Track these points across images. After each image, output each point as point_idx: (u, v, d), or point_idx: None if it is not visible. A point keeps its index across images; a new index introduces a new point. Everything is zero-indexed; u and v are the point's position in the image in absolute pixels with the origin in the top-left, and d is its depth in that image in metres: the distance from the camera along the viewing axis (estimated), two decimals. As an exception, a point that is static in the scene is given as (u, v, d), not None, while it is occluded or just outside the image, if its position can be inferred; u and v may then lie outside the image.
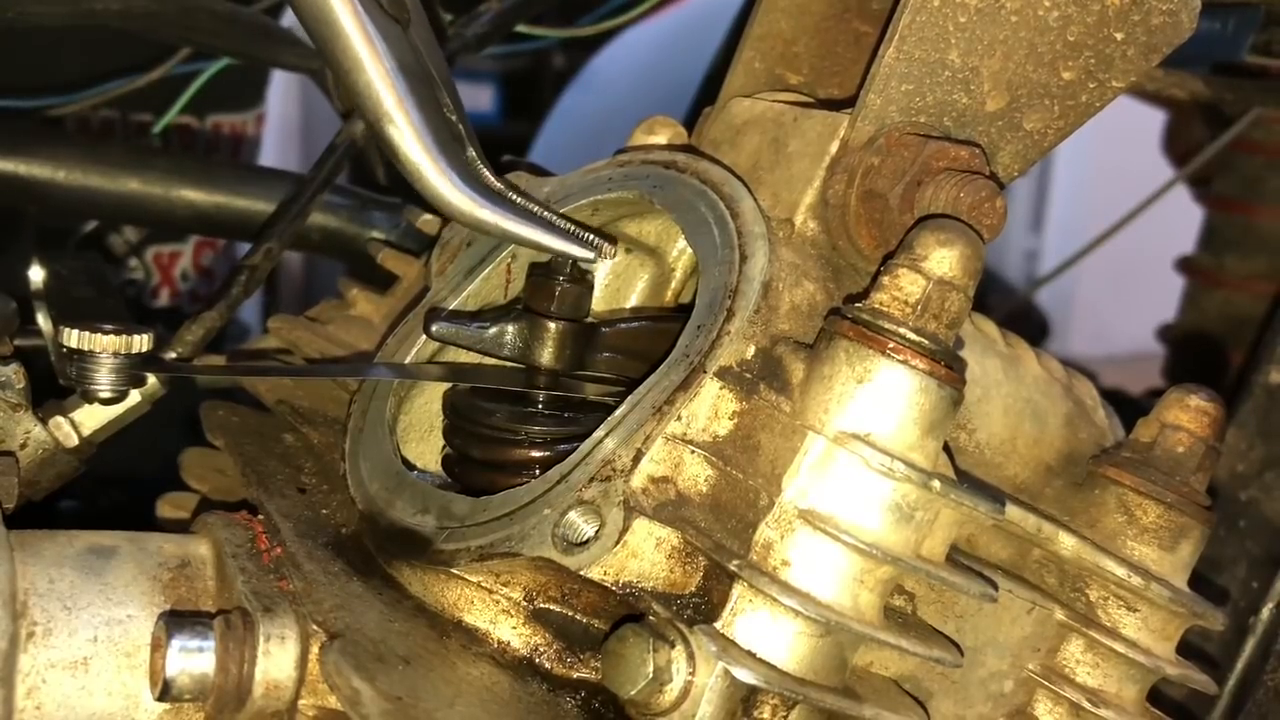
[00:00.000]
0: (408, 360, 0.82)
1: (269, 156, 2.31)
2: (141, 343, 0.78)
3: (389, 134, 0.70)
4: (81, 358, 0.77)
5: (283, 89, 2.19)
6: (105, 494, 1.20)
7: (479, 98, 3.78)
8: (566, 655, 0.69)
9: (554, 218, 0.76)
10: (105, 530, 0.74)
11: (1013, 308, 2.46)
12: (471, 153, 0.74)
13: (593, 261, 0.77)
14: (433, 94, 0.72)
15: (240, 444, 0.86)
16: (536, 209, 0.76)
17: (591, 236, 0.76)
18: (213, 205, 1.34)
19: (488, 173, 0.75)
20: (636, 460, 0.67)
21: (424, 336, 0.80)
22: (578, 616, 0.69)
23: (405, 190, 1.17)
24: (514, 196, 0.75)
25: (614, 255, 0.78)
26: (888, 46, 0.72)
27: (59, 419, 0.86)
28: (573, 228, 0.77)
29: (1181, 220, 1.90)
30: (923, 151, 0.72)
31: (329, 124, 0.76)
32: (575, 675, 0.69)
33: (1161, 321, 1.89)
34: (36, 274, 0.83)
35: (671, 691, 0.62)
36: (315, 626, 0.67)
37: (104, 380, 0.78)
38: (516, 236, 0.75)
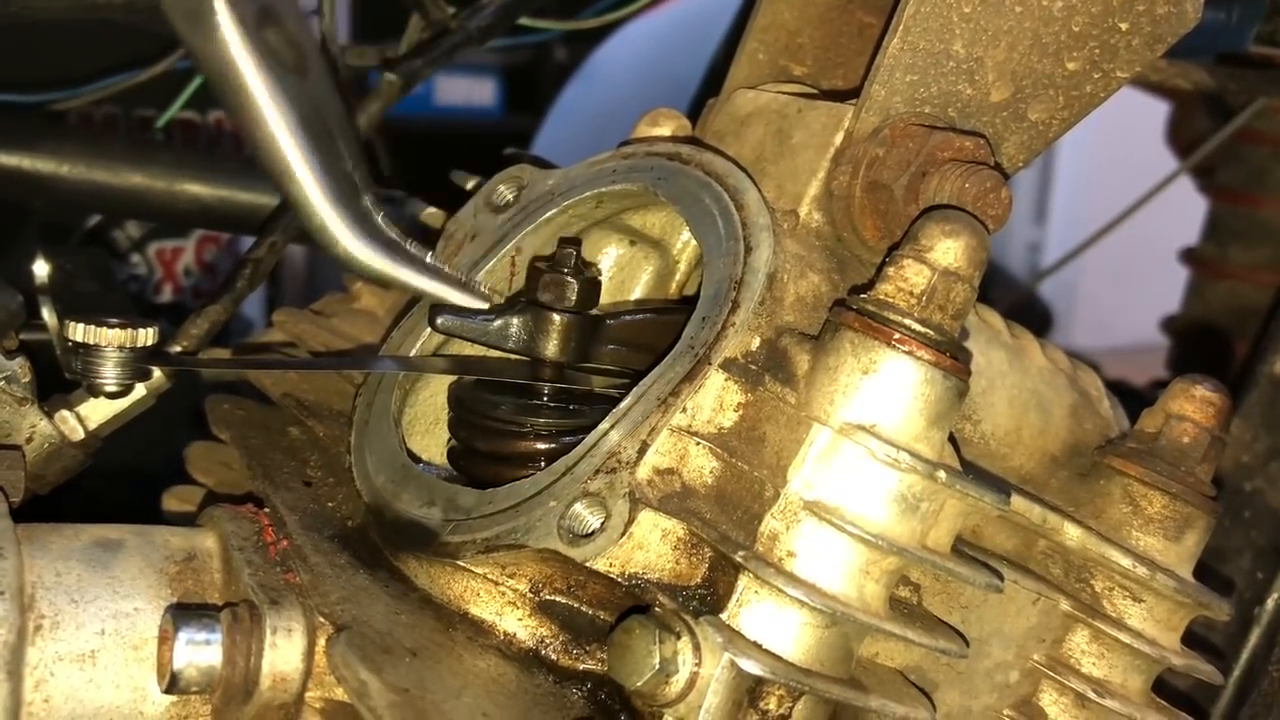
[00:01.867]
0: (413, 353, 0.82)
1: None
2: (146, 336, 0.78)
3: (290, 190, 0.72)
4: (87, 351, 0.78)
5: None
6: (111, 488, 1.20)
7: (481, 92, 3.78)
8: (573, 647, 0.69)
9: (443, 267, 0.78)
10: (112, 524, 0.74)
11: (1015, 300, 2.45)
12: (366, 203, 0.76)
13: (478, 311, 0.78)
14: (332, 146, 0.74)
15: (245, 437, 0.87)
16: (429, 259, 0.78)
17: (478, 284, 0.79)
18: (216, 199, 1.34)
19: (383, 223, 0.77)
20: (642, 452, 0.67)
21: (429, 329, 0.80)
22: (584, 608, 0.69)
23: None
24: (409, 246, 0.77)
25: (498, 304, 0.80)
26: (892, 37, 0.72)
27: (64, 413, 0.86)
28: (462, 277, 0.79)
29: (1185, 212, 1.90)
30: (927, 142, 0.72)
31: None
32: (581, 667, 0.69)
33: (1165, 313, 1.89)
34: (41, 269, 0.83)
35: (677, 682, 0.62)
36: (322, 619, 0.67)
37: (109, 374, 0.78)
38: (410, 286, 0.77)
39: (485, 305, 0.79)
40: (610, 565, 0.66)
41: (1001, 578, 0.70)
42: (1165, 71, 1.45)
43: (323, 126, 0.73)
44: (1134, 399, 0.87)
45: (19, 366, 0.83)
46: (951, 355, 0.65)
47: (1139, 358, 2.09)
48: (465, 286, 0.78)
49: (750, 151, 0.79)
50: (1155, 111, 1.90)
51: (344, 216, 0.73)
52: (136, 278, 1.98)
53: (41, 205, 1.58)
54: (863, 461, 0.64)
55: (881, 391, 0.64)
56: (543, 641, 0.69)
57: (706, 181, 0.76)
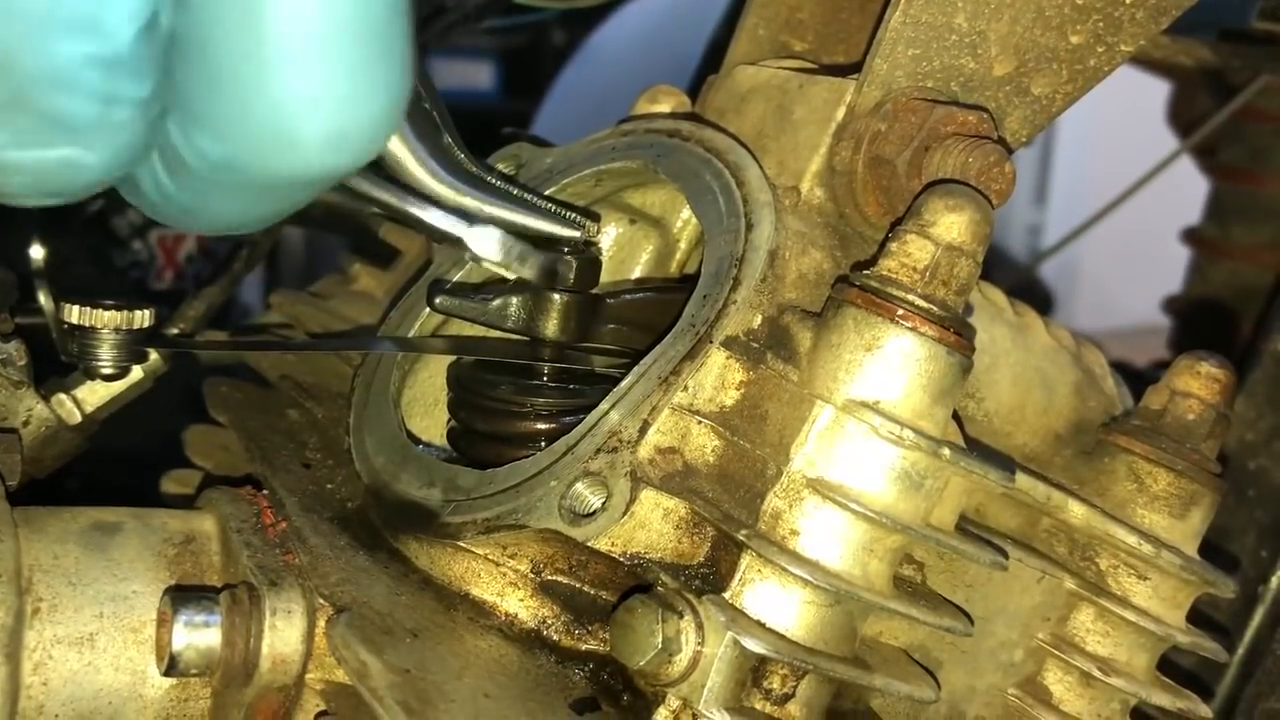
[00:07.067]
0: (411, 334, 0.81)
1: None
2: (143, 318, 0.78)
3: None
4: (83, 334, 0.77)
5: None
6: (108, 471, 1.20)
7: (478, 75, 3.76)
8: (575, 627, 0.69)
9: (535, 199, 0.76)
10: (109, 506, 0.73)
11: (1016, 282, 2.45)
12: (448, 139, 0.74)
13: (578, 240, 0.76)
14: None
15: (244, 420, 0.86)
16: (517, 191, 0.75)
17: (574, 215, 0.76)
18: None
19: (466, 158, 0.74)
20: (643, 431, 0.66)
21: (427, 309, 0.80)
22: (585, 588, 0.69)
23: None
24: (494, 180, 0.75)
25: (596, 232, 0.77)
26: (894, 10, 0.72)
27: (61, 396, 0.85)
28: (554, 207, 0.76)
29: (1187, 192, 1.89)
30: (930, 116, 0.71)
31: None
32: (584, 647, 0.68)
33: (1167, 294, 1.89)
34: (37, 251, 0.82)
35: (680, 662, 0.62)
36: (321, 600, 0.66)
37: (106, 356, 0.77)
38: (499, 220, 0.75)
39: (578, 235, 0.76)
40: (612, 545, 0.66)
41: (1006, 555, 0.70)
42: (1167, 48, 1.44)
43: None
44: (1136, 380, 0.86)
45: (15, 349, 0.83)
46: (955, 331, 0.64)
47: (1141, 339, 2.08)
48: (558, 216, 0.75)
49: (751, 128, 0.78)
50: (1156, 91, 1.89)
51: (424, 152, 0.70)
52: (138, 264, 1.97)
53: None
54: (866, 439, 0.63)
55: (885, 368, 0.64)
56: (544, 622, 0.69)
57: (707, 158, 0.76)
